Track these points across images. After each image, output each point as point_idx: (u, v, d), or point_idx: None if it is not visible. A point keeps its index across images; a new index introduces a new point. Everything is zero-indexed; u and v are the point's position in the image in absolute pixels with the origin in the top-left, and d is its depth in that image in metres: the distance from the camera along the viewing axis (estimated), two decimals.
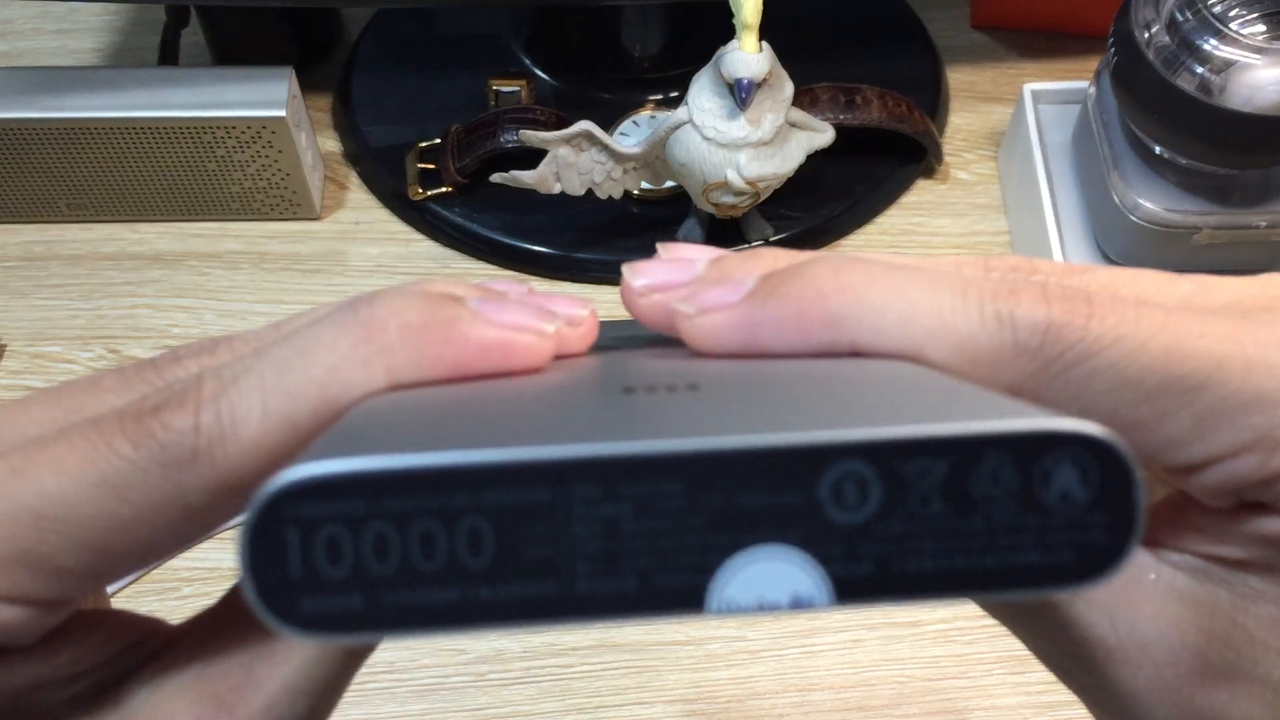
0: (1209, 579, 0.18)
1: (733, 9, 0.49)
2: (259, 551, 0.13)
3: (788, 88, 0.52)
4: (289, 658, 0.17)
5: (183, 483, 0.16)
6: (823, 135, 0.55)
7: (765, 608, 0.13)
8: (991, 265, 0.20)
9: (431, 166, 0.61)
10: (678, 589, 0.13)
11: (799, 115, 0.54)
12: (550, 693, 0.47)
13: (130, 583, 0.50)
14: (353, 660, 0.18)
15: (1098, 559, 0.14)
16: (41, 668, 0.17)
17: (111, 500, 0.16)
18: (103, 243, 0.61)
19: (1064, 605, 0.18)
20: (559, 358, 0.18)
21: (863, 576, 0.13)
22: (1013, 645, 0.21)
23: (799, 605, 0.13)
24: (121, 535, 0.16)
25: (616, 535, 0.13)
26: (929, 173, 0.63)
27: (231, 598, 0.19)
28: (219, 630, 0.18)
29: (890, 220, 0.62)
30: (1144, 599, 0.18)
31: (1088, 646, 0.18)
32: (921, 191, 0.63)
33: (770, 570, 0.13)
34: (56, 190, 0.60)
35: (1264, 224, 0.52)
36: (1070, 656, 0.19)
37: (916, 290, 0.17)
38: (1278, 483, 0.17)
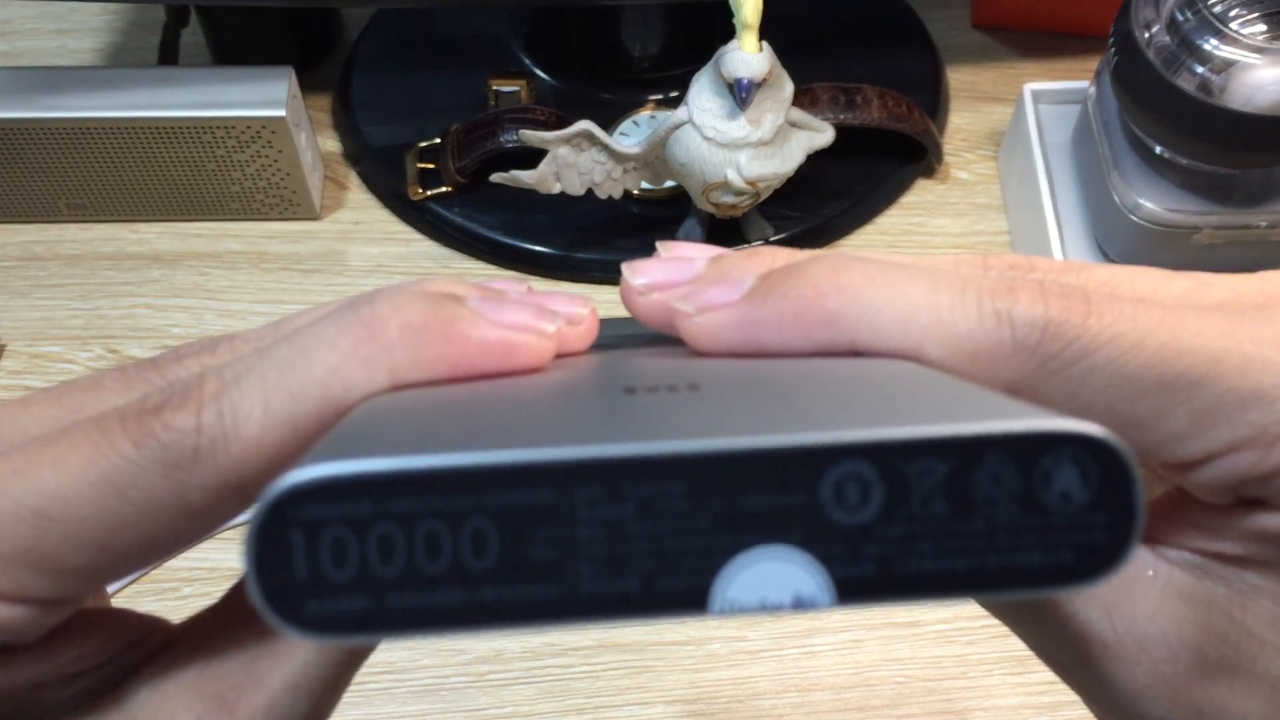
0: (1207, 575, 0.18)
1: (733, 8, 0.49)
2: (264, 553, 0.13)
3: (788, 87, 0.52)
4: (290, 656, 0.17)
5: (185, 482, 0.16)
6: (823, 135, 0.55)
7: (768, 608, 0.13)
8: (989, 263, 0.20)
9: (431, 166, 0.61)
10: (681, 590, 0.13)
11: (799, 115, 0.54)
12: (550, 693, 0.47)
13: (130, 582, 0.50)
14: (354, 659, 0.18)
15: (1098, 559, 0.14)
16: (43, 667, 0.17)
17: (113, 499, 0.16)
18: (102, 243, 0.61)
19: (1063, 603, 0.18)
20: (559, 356, 0.18)
21: (864, 577, 0.13)
22: (1013, 645, 0.21)
23: (801, 605, 0.13)
24: (123, 534, 0.16)
25: (620, 536, 0.13)
26: (929, 173, 0.63)
27: (232, 596, 0.19)
28: (220, 629, 0.18)
29: (890, 220, 0.62)
30: (1142, 595, 0.18)
31: (1086, 643, 0.18)
32: (921, 191, 0.63)
33: (773, 571, 0.13)
34: (56, 190, 0.60)
35: (1264, 224, 0.52)
36: (1069, 653, 0.19)
37: (915, 288, 0.17)
38: (1275, 478, 0.17)
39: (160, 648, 0.18)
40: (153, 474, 0.16)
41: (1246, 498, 0.18)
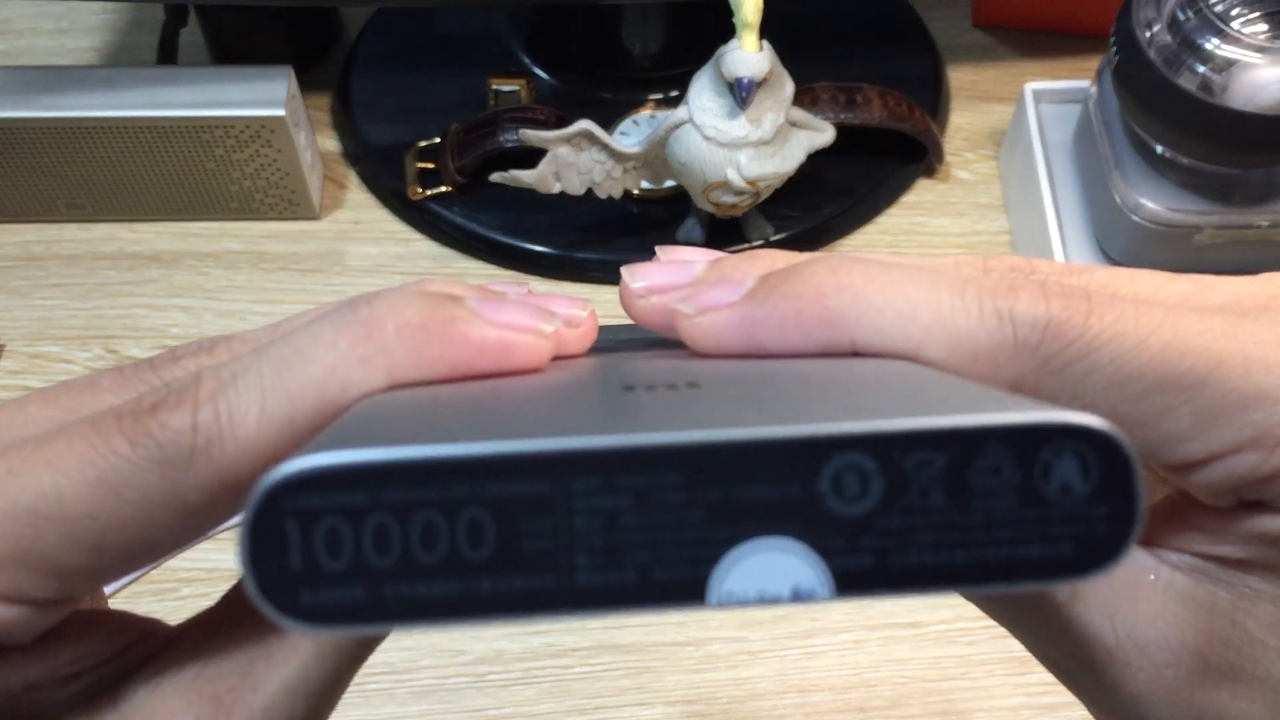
0: (1208, 579, 0.18)
1: (733, 8, 0.49)
2: (259, 544, 0.13)
3: (788, 87, 0.52)
4: (287, 659, 0.17)
5: (180, 481, 0.16)
6: (823, 135, 0.55)
7: (766, 600, 0.13)
8: (990, 266, 0.20)
9: (431, 166, 0.61)
10: (678, 581, 0.13)
11: (799, 114, 0.53)
12: (550, 694, 0.47)
13: (129, 583, 0.50)
14: (351, 662, 0.18)
15: (1098, 551, 0.14)
16: (39, 667, 0.17)
17: (109, 499, 0.16)
18: (101, 242, 0.61)
19: (1064, 606, 0.18)
20: (558, 359, 0.18)
21: (863, 569, 0.13)
22: (1014, 646, 0.21)
23: (800, 597, 0.13)
24: (119, 534, 0.16)
25: (617, 528, 0.13)
26: (930, 172, 0.63)
27: (230, 599, 0.19)
28: (217, 631, 0.18)
29: (891, 220, 0.62)
30: (1143, 599, 0.18)
31: (1087, 647, 0.18)
32: (922, 191, 0.63)
33: (770, 562, 0.13)
34: (55, 190, 0.60)
35: (1266, 223, 0.52)
36: (1070, 657, 0.19)
37: (915, 289, 0.17)
38: (1276, 480, 0.17)
39: (158, 650, 0.18)
40: (148, 473, 0.16)
41: (1248, 500, 0.18)
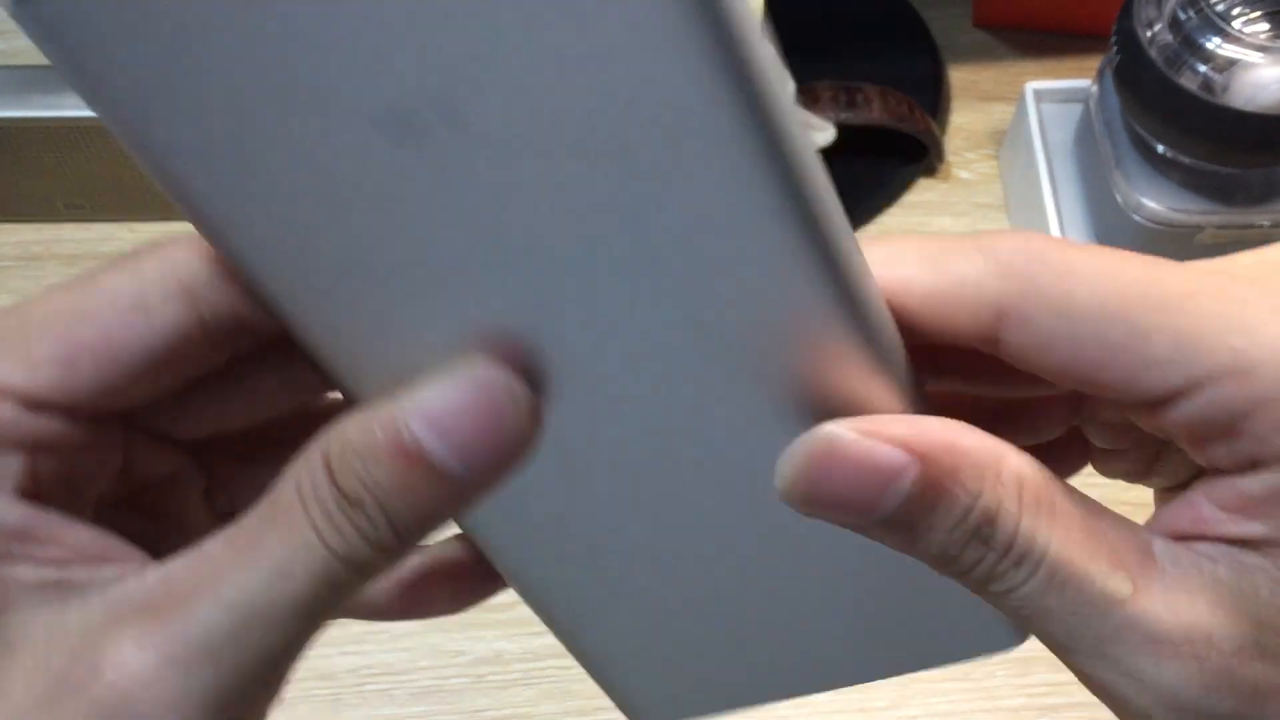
0: (1245, 570, 0.18)
1: None
2: None
3: (788, 86, 0.52)
4: (227, 577, 0.18)
5: (199, 300, 0.19)
6: (823, 134, 0.55)
7: None
8: None
9: None
10: None
11: (799, 114, 0.53)
12: (550, 694, 0.47)
13: None
14: (288, 594, 0.18)
15: None
16: (19, 517, 0.18)
17: (139, 312, 0.19)
18: (100, 242, 0.61)
19: (1128, 603, 0.18)
20: None
21: None
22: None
23: None
24: (142, 341, 0.19)
25: None
26: (930, 172, 0.63)
27: (204, 543, 0.19)
28: (185, 569, 0.19)
29: (892, 219, 0.62)
30: (1200, 590, 0.18)
31: (1155, 646, 0.18)
32: (923, 191, 0.63)
33: None
34: (54, 190, 0.59)
35: (1267, 223, 0.52)
36: (1134, 656, 0.19)
37: (900, 240, 0.19)
38: (1255, 415, 0.17)
39: (131, 574, 0.19)
40: (172, 296, 0.19)
41: (1240, 456, 0.18)
